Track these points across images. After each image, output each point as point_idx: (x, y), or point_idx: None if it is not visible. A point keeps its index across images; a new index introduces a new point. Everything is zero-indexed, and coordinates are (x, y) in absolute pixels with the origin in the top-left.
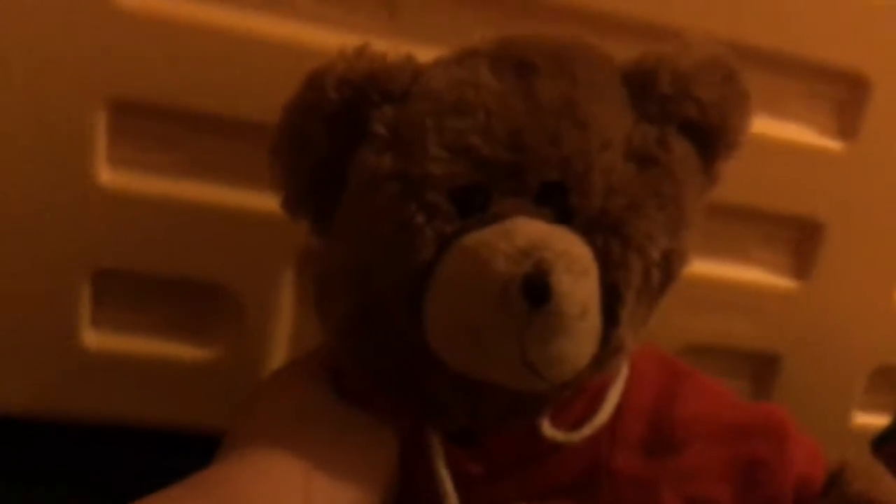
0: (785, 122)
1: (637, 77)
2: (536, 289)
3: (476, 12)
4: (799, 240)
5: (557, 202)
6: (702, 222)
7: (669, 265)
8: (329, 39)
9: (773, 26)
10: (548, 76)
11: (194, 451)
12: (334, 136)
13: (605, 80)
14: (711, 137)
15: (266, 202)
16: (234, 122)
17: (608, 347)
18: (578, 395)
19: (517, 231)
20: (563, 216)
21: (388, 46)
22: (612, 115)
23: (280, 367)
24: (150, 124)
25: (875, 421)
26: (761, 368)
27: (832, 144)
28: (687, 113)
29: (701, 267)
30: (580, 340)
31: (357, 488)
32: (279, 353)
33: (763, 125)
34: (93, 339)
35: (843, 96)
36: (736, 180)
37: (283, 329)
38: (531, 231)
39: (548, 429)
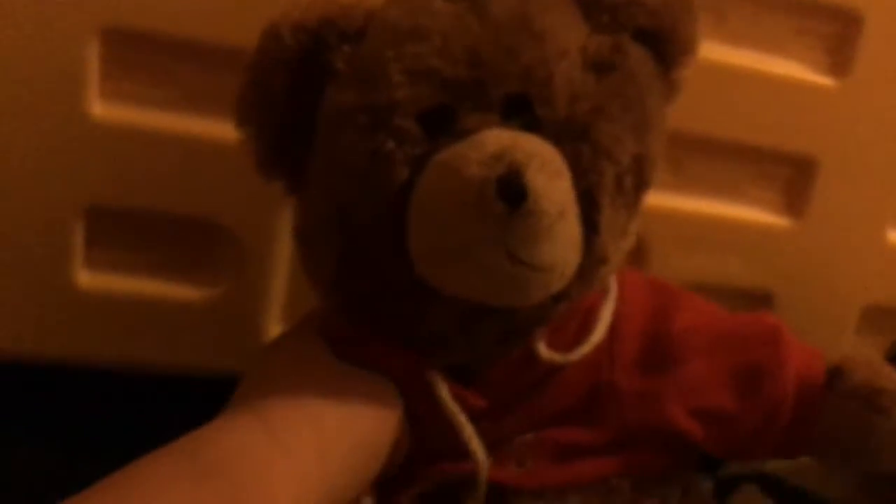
0: (778, 58)
1: None
2: (511, 188)
3: None
4: (792, 177)
5: (524, 114)
6: (699, 160)
7: (641, 170)
8: None
9: None
10: None
11: (194, 392)
12: (297, 83)
13: None
14: (664, 43)
15: None
16: (231, 52)
17: (591, 257)
18: (571, 316)
19: (486, 140)
20: (531, 127)
21: None
22: (566, 26)
23: (275, 338)
24: (144, 56)
25: None
26: (754, 306)
27: (825, 81)
28: (637, 20)
29: (694, 205)
30: (563, 243)
31: (360, 439)
32: (279, 291)
33: (756, 62)
34: (87, 279)
35: (836, 33)
36: (729, 117)
37: (283, 266)
38: (500, 138)
39: (544, 351)
